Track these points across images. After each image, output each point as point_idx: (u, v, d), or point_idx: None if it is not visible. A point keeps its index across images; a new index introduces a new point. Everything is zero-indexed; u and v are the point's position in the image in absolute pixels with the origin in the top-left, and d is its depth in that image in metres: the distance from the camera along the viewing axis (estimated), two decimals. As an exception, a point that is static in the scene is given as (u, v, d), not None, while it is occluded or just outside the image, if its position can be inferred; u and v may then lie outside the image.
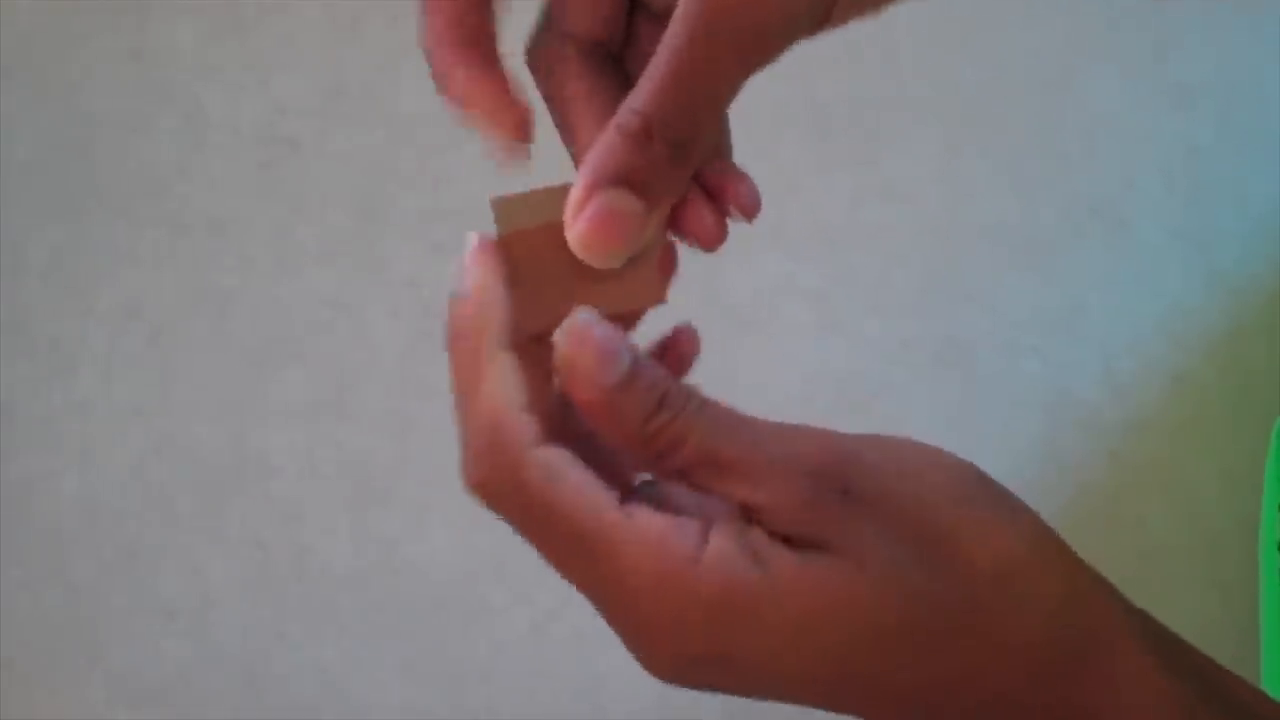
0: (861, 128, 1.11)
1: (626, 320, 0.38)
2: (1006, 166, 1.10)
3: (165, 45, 1.14)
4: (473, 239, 0.36)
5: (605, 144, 0.34)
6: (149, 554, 1.00)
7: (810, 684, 0.33)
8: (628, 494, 0.35)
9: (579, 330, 0.34)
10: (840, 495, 0.33)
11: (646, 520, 0.33)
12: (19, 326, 1.06)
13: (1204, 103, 1.12)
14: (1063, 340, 1.05)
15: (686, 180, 0.36)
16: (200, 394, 1.04)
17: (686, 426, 0.34)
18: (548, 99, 0.38)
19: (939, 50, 1.13)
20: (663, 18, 0.36)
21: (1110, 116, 1.11)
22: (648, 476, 0.37)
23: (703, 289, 1.04)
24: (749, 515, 0.34)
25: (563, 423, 0.36)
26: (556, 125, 0.38)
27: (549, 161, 0.42)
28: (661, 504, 0.34)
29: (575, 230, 0.35)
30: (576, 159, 0.37)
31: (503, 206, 0.36)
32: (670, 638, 0.33)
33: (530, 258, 0.36)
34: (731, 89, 0.34)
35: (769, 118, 1.09)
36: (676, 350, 0.39)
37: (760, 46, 0.33)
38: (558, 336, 0.34)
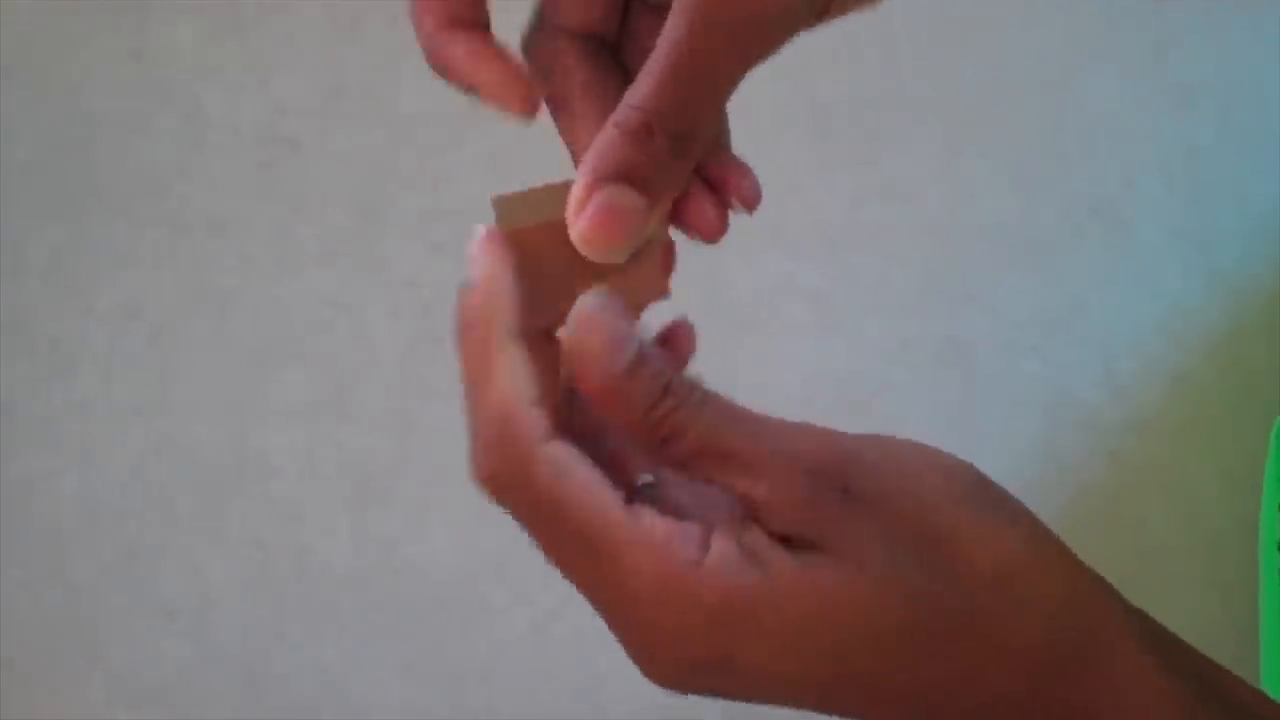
0: (861, 128, 1.11)
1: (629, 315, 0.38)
2: (1006, 166, 1.10)
3: (165, 45, 1.14)
4: (480, 229, 0.36)
5: (606, 140, 0.34)
6: (149, 554, 1.00)
7: (810, 686, 0.33)
8: (632, 495, 0.35)
9: (588, 315, 0.34)
10: (840, 494, 0.33)
11: (650, 523, 0.33)
12: (19, 326, 1.06)
13: (1204, 103, 1.12)
14: (1063, 340, 1.05)
15: (688, 174, 0.36)
16: (200, 394, 1.04)
17: (690, 416, 0.34)
18: (545, 95, 0.38)
19: (939, 50, 1.13)
20: (660, 9, 0.36)
21: (1110, 116, 1.11)
22: (650, 478, 0.37)
23: (703, 289, 1.04)
24: (748, 510, 0.34)
25: (568, 419, 0.36)
26: (555, 120, 0.38)
27: (547, 159, 0.42)
28: (663, 506, 0.34)
29: (578, 226, 0.35)
30: (576, 154, 0.38)
31: (504, 205, 0.36)
32: (672, 644, 0.33)
33: (532, 255, 0.36)
34: (732, 82, 0.34)
35: (769, 118, 1.09)
36: (673, 345, 0.39)
37: (759, 39, 0.33)
38: (568, 321, 0.34)
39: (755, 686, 0.33)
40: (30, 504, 1.01)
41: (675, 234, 0.38)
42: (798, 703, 0.34)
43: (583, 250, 0.35)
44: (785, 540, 0.33)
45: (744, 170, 0.38)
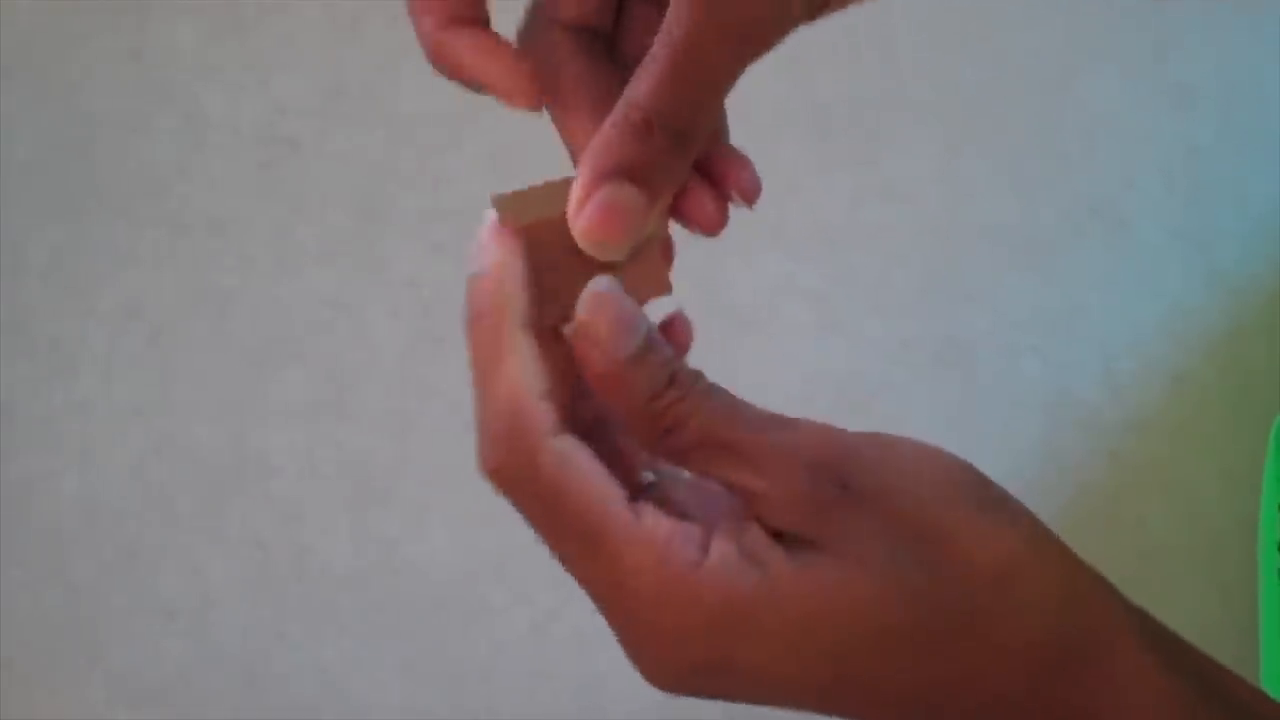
0: (861, 128, 1.11)
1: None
2: (1006, 166, 1.10)
3: (165, 45, 1.14)
4: (490, 216, 0.36)
5: (606, 137, 0.34)
6: (149, 554, 1.00)
7: (811, 688, 0.33)
8: (636, 492, 0.35)
9: (598, 298, 0.34)
10: (839, 489, 0.33)
11: (653, 522, 0.33)
12: (19, 326, 1.06)
13: (1204, 103, 1.12)
14: (1063, 340, 1.05)
15: (688, 170, 0.36)
16: (200, 394, 1.04)
17: (693, 407, 0.34)
18: (538, 70, 0.38)
19: (939, 50, 1.13)
20: (656, 2, 0.36)
21: (1110, 116, 1.11)
22: (653, 476, 0.37)
23: (703, 289, 1.04)
24: (747, 504, 0.34)
25: (575, 415, 0.36)
26: (551, 114, 0.38)
27: (547, 158, 0.42)
28: (665, 505, 0.34)
29: (579, 224, 0.35)
30: (573, 149, 0.38)
31: (504, 203, 0.36)
32: (671, 646, 0.33)
33: (534, 252, 0.36)
34: (731, 78, 0.34)
35: (769, 118, 1.09)
36: (671, 337, 0.39)
37: (758, 34, 0.33)
38: (579, 302, 0.34)
39: (755, 688, 0.33)
40: (30, 504, 1.01)
41: (675, 230, 0.38)
42: (798, 704, 0.34)
43: (584, 247, 0.35)
44: (784, 538, 0.33)
45: (743, 163, 0.38)
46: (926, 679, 0.33)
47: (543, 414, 0.34)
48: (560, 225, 0.35)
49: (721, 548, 0.33)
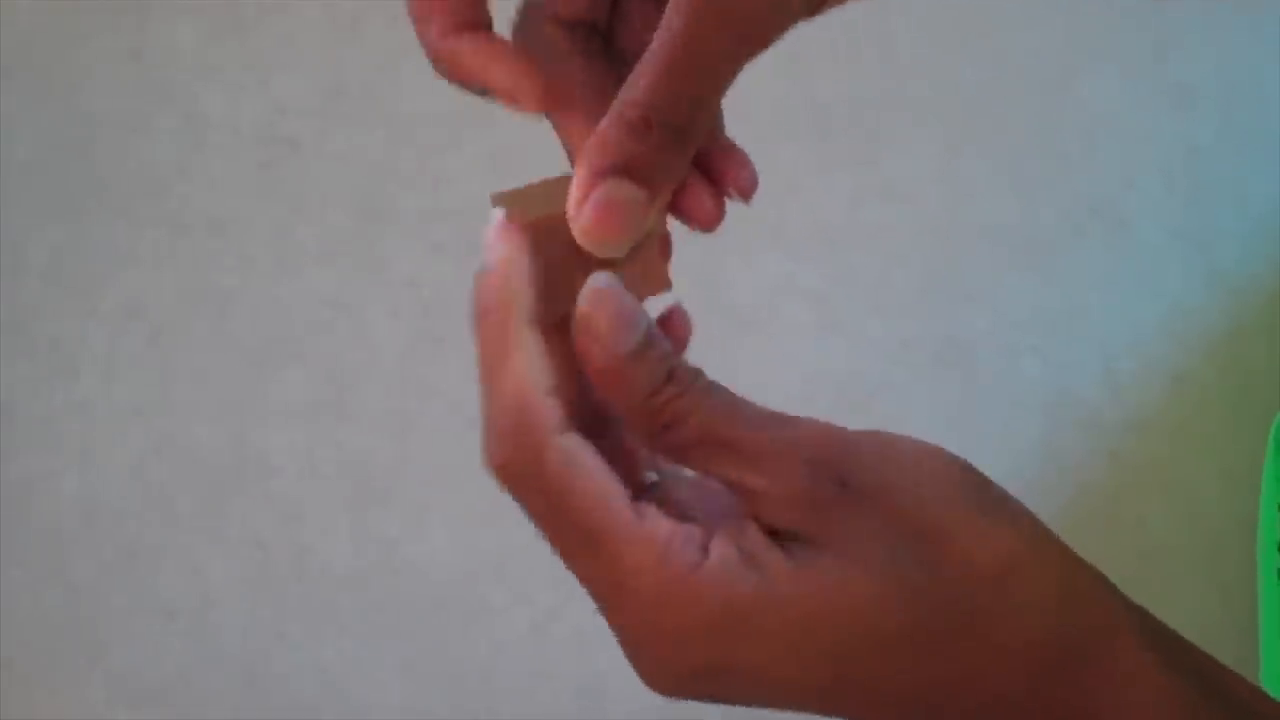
0: (861, 128, 1.11)
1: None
2: (1006, 166, 1.10)
3: (165, 45, 1.14)
4: (498, 214, 0.36)
5: (605, 135, 0.34)
6: (149, 554, 1.00)
7: (811, 689, 0.33)
8: (639, 492, 0.35)
9: (597, 294, 0.34)
10: (838, 487, 0.33)
11: (654, 522, 0.33)
12: (19, 326, 1.06)
13: (1204, 103, 1.12)
14: (1063, 340, 1.05)
15: (686, 166, 0.36)
16: (200, 394, 1.04)
17: (692, 403, 0.34)
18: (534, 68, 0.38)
19: (939, 50, 1.13)
20: None
21: (1110, 116, 1.11)
22: (655, 476, 0.37)
23: (703, 288, 1.04)
24: (746, 501, 0.34)
25: (581, 412, 0.36)
26: (541, 95, 0.38)
27: (548, 158, 0.42)
28: (667, 506, 0.34)
29: (579, 221, 0.35)
30: (569, 146, 0.37)
31: (503, 201, 0.36)
32: (670, 648, 0.33)
33: (534, 250, 0.36)
34: (731, 75, 0.34)
35: (769, 118, 1.09)
36: (670, 332, 0.39)
37: (757, 31, 0.33)
38: (579, 297, 0.34)
39: (755, 690, 0.33)
40: (30, 504, 1.01)
41: (673, 228, 0.38)
42: (798, 706, 0.34)
43: (584, 244, 0.35)
44: (784, 536, 0.33)
45: (740, 159, 0.38)
46: (926, 679, 0.33)
47: (549, 410, 0.34)
48: (560, 222, 0.35)
49: (721, 549, 0.33)
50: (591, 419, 0.36)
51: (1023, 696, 0.33)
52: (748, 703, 0.34)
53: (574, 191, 0.35)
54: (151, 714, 0.96)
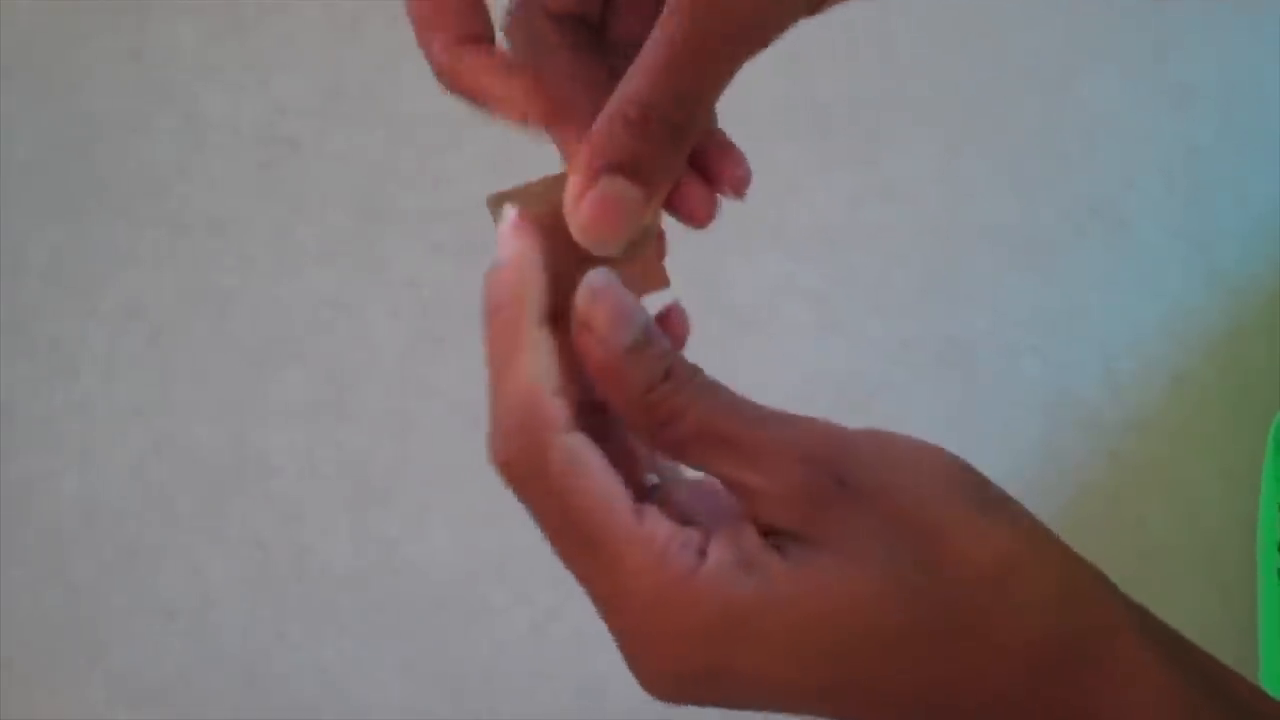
0: (861, 128, 1.11)
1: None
2: (1006, 166, 1.10)
3: (165, 45, 1.14)
4: (510, 211, 0.36)
5: (603, 132, 0.34)
6: (149, 554, 1.00)
7: (811, 691, 0.33)
8: (642, 494, 0.35)
9: (595, 290, 0.34)
10: (836, 485, 0.33)
11: (654, 525, 0.33)
12: (19, 326, 1.06)
13: (1204, 103, 1.12)
14: (1063, 340, 1.05)
15: (683, 164, 0.36)
16: (200, 394, 1.04)
17: (690, 400, 0.34)
18: (523, 61, 0.38)
19: (939, 50, 1.13)
20: None
21: (1110, 116, 1.11)
22: (656, 479, 0.37)
23: (703, 289, 1.04)
24: (743, 499, 0.34)
25: (589, 413, 0.36)
26: (530, 87, 0.38)
27: (547, 158, 0.42)
28: (667, 509, 0.34)
29: (577, 218, 0.35)
30: (559, 138, 0.37)
31: (498, 202, 0.36)
32: (669, 653, 0.33)
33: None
34: (731, 72, 0.34)
35: (769, 118, 1.09)
36: (668, 329, 0.39)
37: (759, 29, 0.33)
38: (577, 294, 0.34)
39: (755, 693, 0.33)
40: (30, 504, 1.01)
41: (671, 227, 0.38)
42: (799, 708, 0.33)
43: (581, 241, 0.35)
44: (782, 535, 0.33)
45: (734, 155, 0.38)
46: (926, 679, 0.33)
47: (555, 410, 0.34)
48: (557, 220, 0.35)
49: (719, 552, 0.33)
50: (597, 421, 0.36)
51: (1023, 696, 0.33)
52: (747, 706, 0.34)
53: (571, 188, 0.35)
54: (151, 714, 0.96)
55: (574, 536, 0.33)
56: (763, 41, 0.34)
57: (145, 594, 0.99)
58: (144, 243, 1.08)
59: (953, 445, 0.35)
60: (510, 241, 0.35)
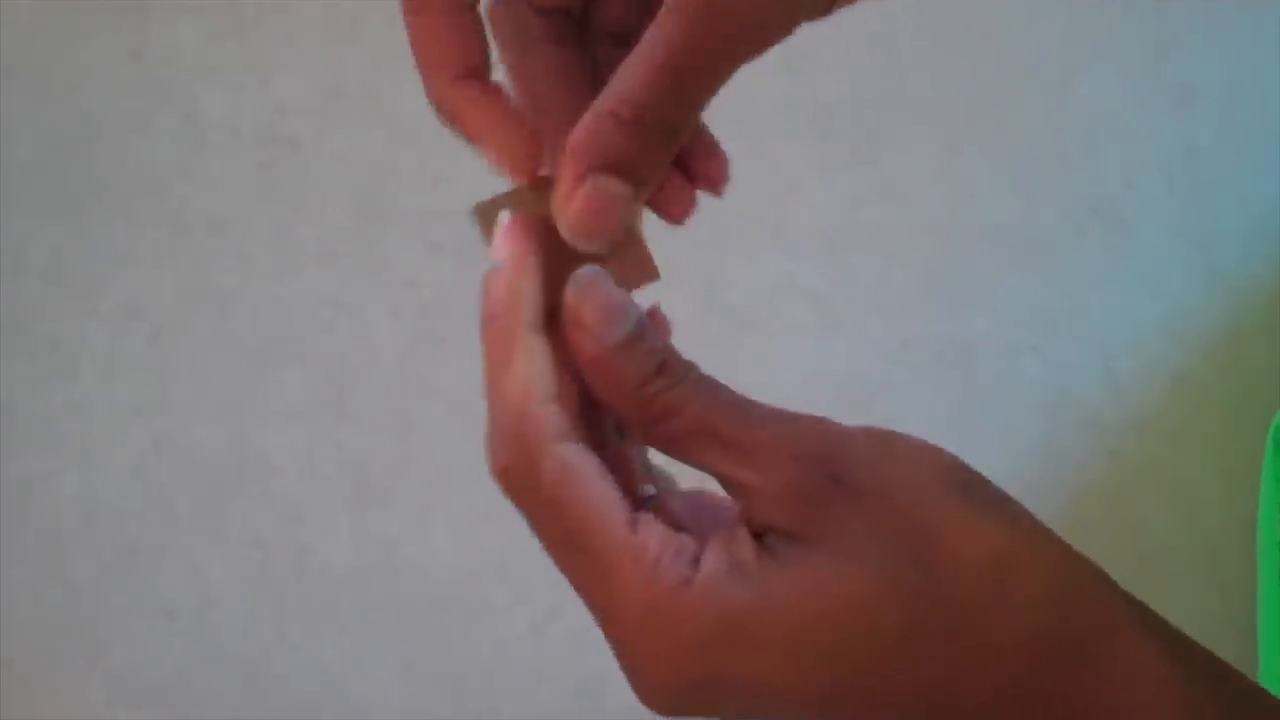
0: (861, 128, 1.11)
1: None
2: (1006, 166, 1.10)
3: (165, 45, 1.14)
4: (505, 217, 0.36)
5: (594, 130, 0.34)
6: (149, 554, 1.00)
7: (811, 695, 0.33)
8: (639, 503, 0.35)
9: (585, 286, 0.34)
10: (832, 483, 0.33)
11: (647, 535, 0.33)
12: (19, 326, 1.06)
13: (1204, 103, 1.12)
14: (1063, 340, 1.05)
15: (670, 162, 0.36)
16: (200, 394, 1.04)
17: (684, 396, 0.34)
18: (510, 67, 0.38)
19: (939, 50, 1.13)
20: None
21: (1110, 116, 1.11)
22: (653, 489, 0.37)
23: (703, 289, 1.04)
24: (739, 499, 0.33)
25: (592, 421, 0.36)
26: (519, 93, 0.38)
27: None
28: (661, 515, 0.34)
29: (567, 214, 0.35)
30: (543, 130, 0.37)
31: (489, 210, 0.36)
32: (664, 664, 0.33)
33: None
34: (728, 75, 0.34)
35: (769, 118, 1.09)
36: None
37: (759, 34, 0.33)
38: (566, 289, 0.34)
39: (754, 702, 0.33)
40: (30, 504, 1.01)
41: (673, 230, 0.38)
42: (799, 715, 0.33)
43: (569, 237, 0.35)
44: (777, 535, 0.33)
45: (714, 152, 0.38)
46: (926, 679, 0.32)
47: (549, 418, 0.34)
48: (548, 223, 0.35)
49: (713, 560, 0.33)
50: (597, 428, 0.36)
51: (1023, 694, 0.32)
52: (747, 715, 0.34)
53: (561, 186, 0.35)
54: (151, 714, 0.96)
55: (568, 546, 0.33)
56: (763, 46, 0.33)
57: (145, 594, 0.99)
58: (144, 243, 1.08)
59: (953, 445, 0.35)
60: (503, 246, 0.35)
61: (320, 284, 1.06)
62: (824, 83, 1.11)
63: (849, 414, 0.33)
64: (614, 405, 0.34)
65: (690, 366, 0.34)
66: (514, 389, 0.34)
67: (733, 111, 0.39)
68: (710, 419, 0.34)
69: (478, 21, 0.37)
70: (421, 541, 1.00)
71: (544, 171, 0.37)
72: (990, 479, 0.35)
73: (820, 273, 1.06)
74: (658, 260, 0.37)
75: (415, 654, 0.97)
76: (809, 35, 0.35)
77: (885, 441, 0.34)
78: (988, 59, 1.13)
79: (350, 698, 0.96)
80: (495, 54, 0.38)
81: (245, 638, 0.98)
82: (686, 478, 0.37)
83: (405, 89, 0.37)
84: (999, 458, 1.00)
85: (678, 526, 0.34)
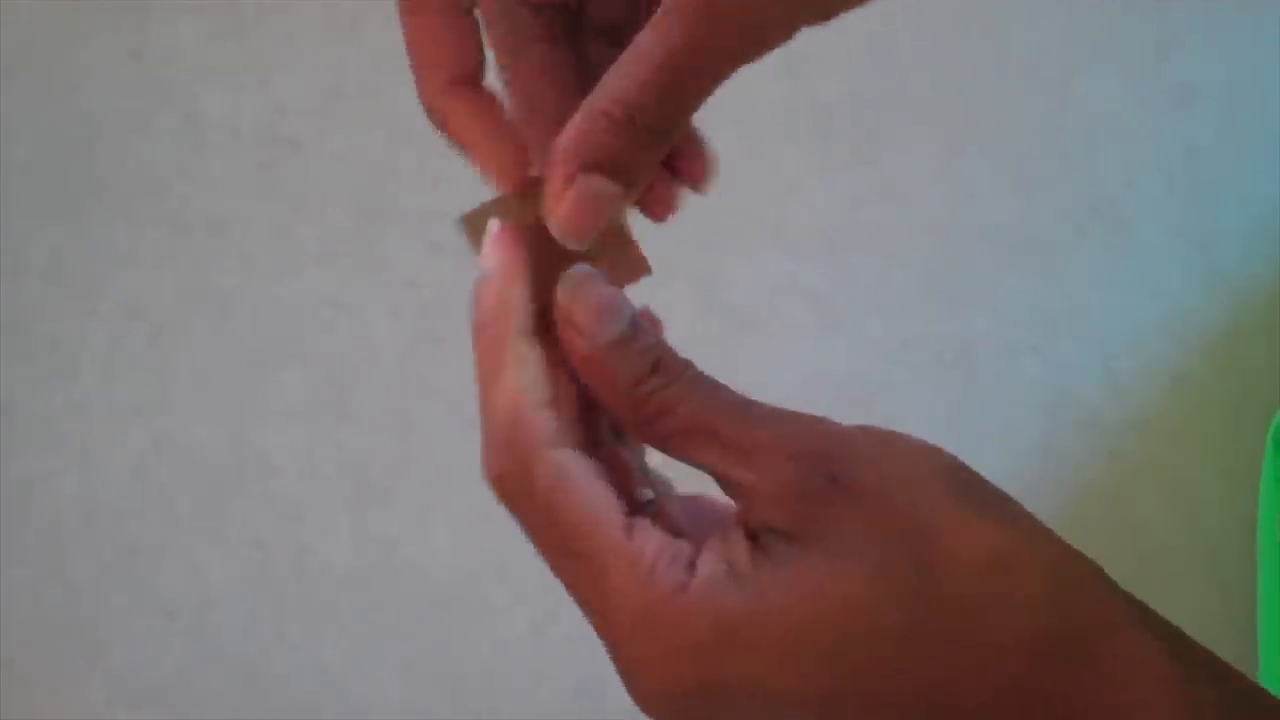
0: (861, 128, 1.11)
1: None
2: (1006, 166, 1.10)
3: (165, 45, 1.14)
4: (494, 225, 0.36)
5: (587, 129, 0.34)
6: (149, 554, 1.00)
7: (811, 699, 0.32)
8: (636, 507, 0.35)
9: (576, 285, 0.34)
10: (829, 483, 0.32)
11: (643, 540, 0.33)
12: (19, 326, 1.06)
13: (1204, 103, 1.12)
14: (1063, 340, 1.05)
15: (661, 161, 0.36)
16: (200, 394, 1.04)
17: (679, 394, 0.34)
18: (501, 60, 0.38)
19: (939, 50, 1.13)
20: None
21: (1111, 116, 1.11)
22: (651, 494, 0.37)
23: (703, 289, 1.04)
24: (735, 498, 0.33)
25: (584, 420, 0.35)
26: (506, 85, 0.38)
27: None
28: (659, 519, 0.34)
29: (558, 212, 0.35)
30: (535, 128, 0.37)
31: (476, 220, 0.36)
32: (660, 672, 0.32)
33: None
34: (725, 78, 0.34)
35: (769, 118, 1.09)
36: None
37: (759, 38, 0.33)
38: (557, 290, 0.34)
39: (753, 707, 0.33)
40: (30, 504, 1.01)
41: (672, 229, 0.38)
42: (799, 717, 0.33)
43: (560, 236, 0.35)
44: (773, 534, 0.33)
45: (698, 150, 0.38)
46: (925, 679, 0.32)
47: (541, 423, 0.33)
48: (539, 226, 0.35)
49: (709, 564, 0.32)
50: (596, 431, 0.36)
51: (1023, 694, 0.32)
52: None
53: (552, 184, 0.35)
54: (151, 714, 0.96)
55: (563, 552, 0.33)
56: (762, 51, 0.33)
57: (145, 594, 0.99)
58: (144, 243, 1.08)
59: (953, 445, 0.34)
60: (492, 254, 0.35)
61: (320, 284, 1.06)
62: (824, 83, 1.11)
63: (849, 414, 0.33)
64: (609, 404, 0.34)
65: (686, 364, 0.34)
66: (506, 396, 0.34)
67: (733, 112, 0.39)
68: (706, 417, 0.33)
69: (474, 25, 0.37)
70: (421, 541, 1.00)
71: (534, 171, 0.37)
72: (990, 479, 0.35)
73: (820, 273, 1.06)
74: (655, 258, 0.37)
75: (415, 654, 0.97)
76: (809, 36, 0.35)
77: (884, 441, 0.34)
78: (988, 59, 1.13)
79: (350, 698, 0.96)
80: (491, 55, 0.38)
81: (245, 638, 0.98)
82: (686, 480, 0.37)
83: (405, 89, 0.37)
84: (999, 458, 1.00)
85: (676, 532, 0.34)
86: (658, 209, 0.37)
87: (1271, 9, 1.14)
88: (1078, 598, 0.33)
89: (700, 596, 0.32)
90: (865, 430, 0.34)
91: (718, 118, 0.38)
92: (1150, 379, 1.04)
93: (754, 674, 0.32)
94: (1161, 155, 1.10)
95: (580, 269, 0.34)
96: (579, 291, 0.34)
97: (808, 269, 1.06)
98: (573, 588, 0.34)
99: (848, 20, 0.36)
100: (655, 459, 0.36)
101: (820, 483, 0.33)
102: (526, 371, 0.34)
